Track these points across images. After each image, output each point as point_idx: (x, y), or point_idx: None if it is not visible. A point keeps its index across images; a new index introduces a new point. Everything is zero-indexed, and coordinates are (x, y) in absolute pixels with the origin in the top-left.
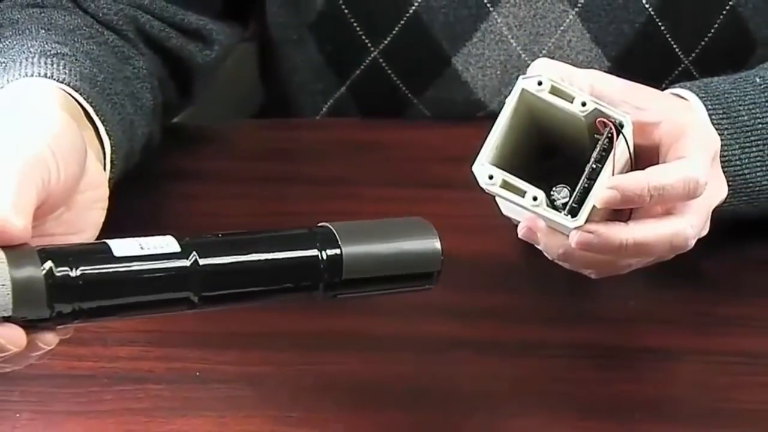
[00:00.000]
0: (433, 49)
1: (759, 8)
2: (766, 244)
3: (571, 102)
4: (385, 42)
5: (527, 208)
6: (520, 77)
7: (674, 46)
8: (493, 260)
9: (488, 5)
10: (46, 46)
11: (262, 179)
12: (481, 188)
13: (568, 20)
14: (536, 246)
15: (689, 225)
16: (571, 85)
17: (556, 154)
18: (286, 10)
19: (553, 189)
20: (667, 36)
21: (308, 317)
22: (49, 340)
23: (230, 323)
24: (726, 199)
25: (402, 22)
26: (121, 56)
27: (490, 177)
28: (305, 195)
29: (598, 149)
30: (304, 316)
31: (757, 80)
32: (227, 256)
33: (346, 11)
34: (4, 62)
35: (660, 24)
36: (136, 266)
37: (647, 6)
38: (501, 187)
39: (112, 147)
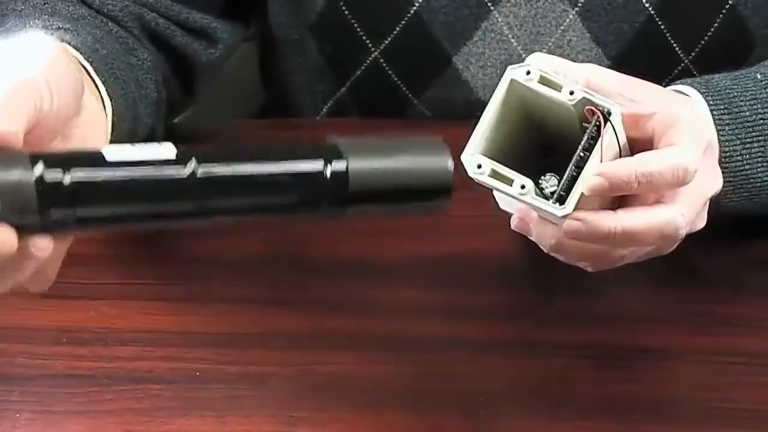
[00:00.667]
0: (434, 48)
1: (759, 7)
2: (766, 244)
3: (560, 91)
4: (386, 42)
5: (515, 197)
6: (509, 67)
7: (674, 45)
8: (492, 260)
9: (489, 4)
10: (48, 23)
11: None
12: (470, 178)
13: (568, 20)
14: (530, 238)
15: (680, 214)
16: (566, 78)
17: (555, 152)
18: (287, 10)
19: (542, 178)
20: (667, 35)
21: (308, 317)
22: (42, 245)
23: (230, 323)
24: (727, 195)
25: (403, 22)
26: (126, 47)
27: (479, 166)
28: None
29: (585, 137)
30: (304, 316)
31: (758, 76)
32: (228, 164)
33: (346, 12)
34: (5, 37)
35: (660, 23)
36: (131, 171)
37: (647, 5)
38: (489, 176)
39: (113, 110)
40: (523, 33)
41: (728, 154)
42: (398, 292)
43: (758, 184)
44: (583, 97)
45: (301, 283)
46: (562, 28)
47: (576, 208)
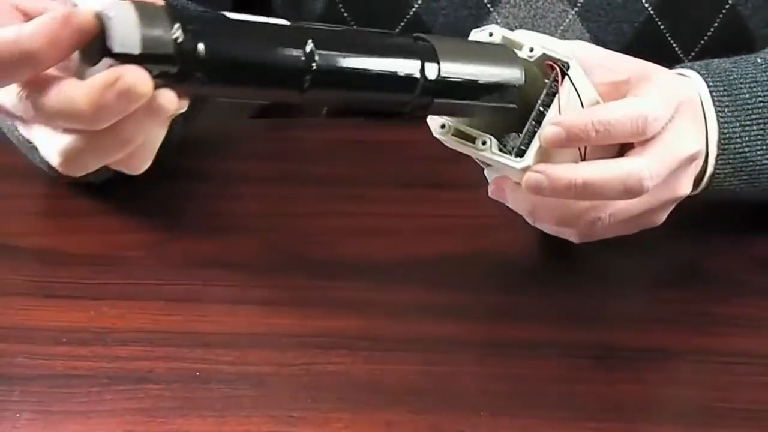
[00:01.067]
0: None
1: (758, 7)
2: (766, 244)
3: (521, 50)
4: None
5: (477, 155)
6: (473, 31)
7: (674, 45)
8: (493, 260)
9: (488, 5)
10: None
11: (262, 179)
12: (436, 138)
13: (567, 20)
14: (507, 204)
15: (644, 167)
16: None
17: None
18: (287, 12)
19: (504, 136)
20: (667, 35)
21: (308, 317)
22: (171, 97)
23: (230, 323)
24: (727, 178)
25: (402, 23)
26: None
27: (442, 126)
28: (305, 195)
29: (545, 92)
30: (304, 316)
31: (758, 60)
32: (341, 55)
33: (345, 14)
34: None
35: (659, 23)
36: (260, 31)
37: (647, 5)
38: (453, 135)
39: None
40: None
41: (727, 136)
42: (398, 292)
43: (757, 167)
44: (543, 53)
45: (301, 283)
46: (561, 28)
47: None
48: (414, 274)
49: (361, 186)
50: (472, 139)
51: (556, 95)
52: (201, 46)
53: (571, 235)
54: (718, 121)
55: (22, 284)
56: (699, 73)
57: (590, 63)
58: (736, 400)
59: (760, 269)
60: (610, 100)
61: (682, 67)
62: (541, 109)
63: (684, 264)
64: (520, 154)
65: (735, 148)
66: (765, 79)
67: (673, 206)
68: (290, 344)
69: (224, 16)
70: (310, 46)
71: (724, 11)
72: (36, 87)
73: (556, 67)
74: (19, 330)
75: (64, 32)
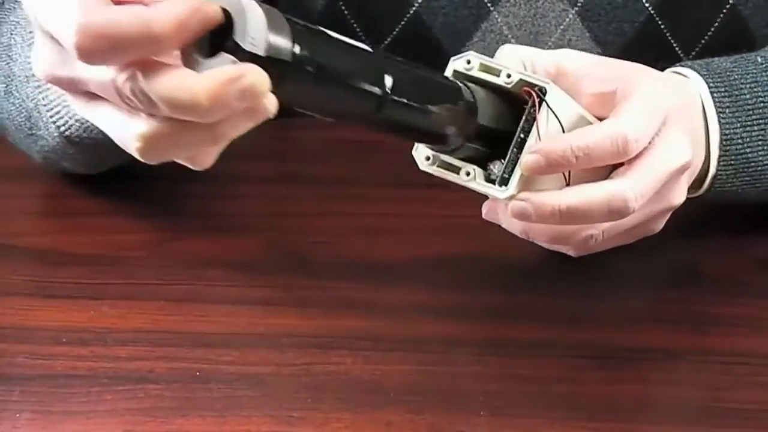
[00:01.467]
0: (434, 49)
1: (759, 7)
2: (766, 244)
3: (498, 76)
4: (386, 43)
5: (462, 185)
6: (451, 59)
7: (674, 45)
8: (492, 260)
9: (488, 5)
10: None
11: (262, 179)
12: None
13: (568, 19)
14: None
15: (628, 187)
16: (535, 67)
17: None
18: (287, 9)
19: (489, 164)
20: (667, 35)
21: (308, 317)
22: (274, 102)
23: (230, 323)
24: (728, 180)
25: (402, 22)
26: None
27: (427, 158)
28: (306, 195)
29: (524, 119)
30: (304, 316)
31: (759, 59)
32: (409, 101)
33: (346, 12)
34: None
35: (660, 23)
36: (354, 55)
37: (647, 5)
38: (438, 167)
39: None
40: (522, 33)
41: (728, 137)
42: (398, 292)
43: (759, 168)
44: (520, 79)
45: (301, 283)
46: (561, 27)
47: (526, 190)
48: (414, 274)
49: (361, 186)
50: (456, 170)
51: (535, 121)
52: (311, 62)
53: (567, 250)
54: (720, 122)
55: (22, 284)
56: (699, 73)
57: (580, 72)
58: (736, 400)
59: (760, 269)
60: (599, 112)
61: (683, 66)
62: (522, 135)
63: (684, 264)
64: (504, 182)
65: (736, 149)
66: (766, 79)
67: (670, 213)
68: (290, 344)
69: (327, 34)
70: (389, 83)
71: (724, 11)
72: (146, 70)
73: (533, 92)
74: (19, 330)
75: (192, 20)
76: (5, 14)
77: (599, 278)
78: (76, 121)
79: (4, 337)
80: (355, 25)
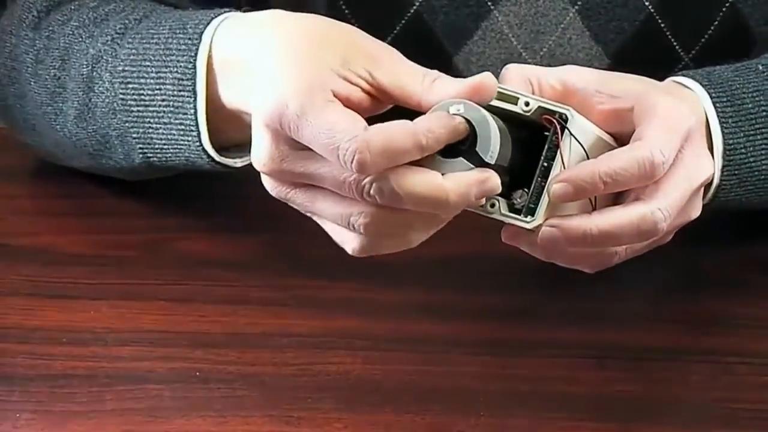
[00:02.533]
0: (434, 48)
1: (759, 4)
2: (766, 244)
3: (516, 104)
4: (386, 42)
5: (487, 216)
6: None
7: (674, 43)
8: (492, 260)
9: (489, 4)
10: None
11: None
12: None
13: (568, 18)
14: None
15: (656, 208)
16: (541, 84)
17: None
18: (290, 8)
19: (512, 194)
20: (667, 33)
21: (308, 317)
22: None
23: (230, 323)
24: (732, 189)
25: (403, 21)
26: None
27: None
28: None
29: (546, 146)
30: (304, 316)
31: (760, 68)
32: None
33: (346, 11)
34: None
35: (660, 21)
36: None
37: (647, 3)
38: None
39: None
40: (523, 32)
41: (732, 146)
42: (398, 292)
43: (762, 177)
44: (539, 107)
45: (301, 283)
46: (562, 26)
47: (551, 216)
48: (414, 274)
49: None
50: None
51: (558, 149)
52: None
53: (584, 267)
54: (723, 132)
55: (22, 284)
56: (701, 84)
57: (588, 89)
58: (736, 401)
59: (761, 269)
60: (612, 129)
61: (684, 75)
62: (546, 164)
63: (684, 264)
64: (530, 212)
65: (740, 159)
66: (767, 87)
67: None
68: (290, 344)
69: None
70: None
71: (724, 9)
72: (396, 170)
73: (554, 120)
74: (19, 330)
75: (448, 134)
76: (65, 16)
77: (599, 278)
78: (161, 151)
79: (4, 337)
80: (355, 24)
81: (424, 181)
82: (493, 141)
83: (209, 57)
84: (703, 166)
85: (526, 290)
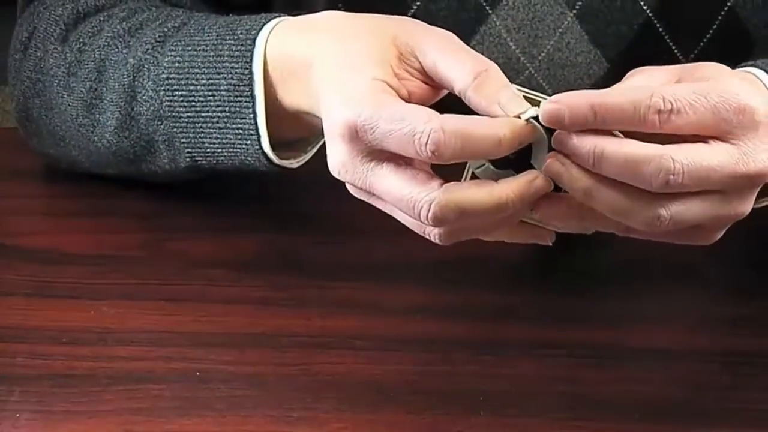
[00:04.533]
0: None
1: (757, 8)
2: (766, 244)
3: (539, 107)
4: None
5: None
6: None
7: (673, 47)
8: (493, 260)
9: (487, 8)
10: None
11: (263, 179)
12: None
13: (566, 22)
14: (561, 185)
15: (670, 157)
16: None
17: None
18: (289, 11)
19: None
20: (666, 37)
21: (308, 317)
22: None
23: (230, 323)
24: None
25: None
26: None
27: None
28: (306, 196)
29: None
30: (304, 316)
31: None
32: None
33: None
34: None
35: (658, 25)
36: None
37: (645, 7)
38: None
39: None
40: (521, 36)
41: None
42: (398, 292)
43: None
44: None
45: (301, 283)
46: (560, 30)
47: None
48: (414, 274)
49: None
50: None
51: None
52: None
53: (615, 227)
54: None
55: (22, 284)
56: (766, 70)
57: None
58: (736, 400)
59: (761, 269)
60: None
61: (748, 65)
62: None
63: (684, 264)
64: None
65: None
66: None
67: (729, 225)
68: (290, 344)
69: None
70: None
71: (722, 13)
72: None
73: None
74: (19, 330)
75: (520, 138)
76: (95, 28)
77: (599, 278)
78: (213, 155)
79: (4, 337)
80: None
81: (481, 192)
82: (544, 154)
83: (265, 62)
84: (760, 156)
85: (526, 290)
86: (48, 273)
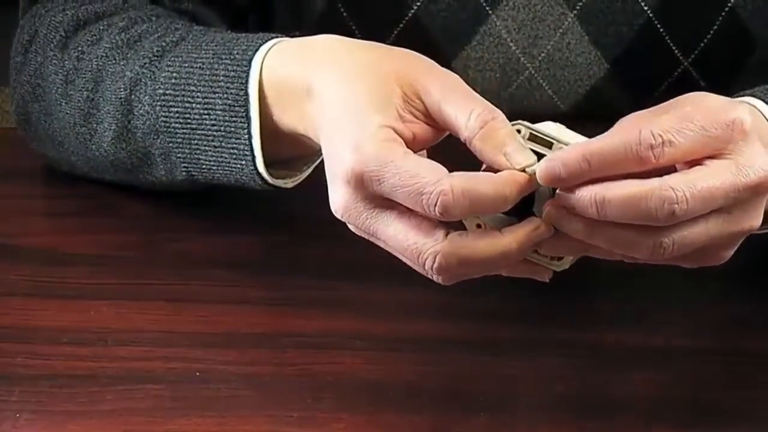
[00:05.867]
0: (432, 52)
1: (758, 9)
2: (766, 244)
3: (550, 149)
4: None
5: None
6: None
7: (673, 47)
8: None
9: (487, 8)
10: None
11: None
12: None
13: (566, 22)
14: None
15: (669, 185)
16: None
17: None
18: (287, 11)
19: None
20: (666, 37)
21: (308, 317)
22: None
23: (230, 323)
24: None
25: (401, 25)
26: None
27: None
28: (305, 195)
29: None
30: (304, 316)
31: None
32: None
33: (345, 14)
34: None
35: (659, 25)
36: None
37: (645, 8)
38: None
39: None
40: (521, 36)
41: None
42: (398, 292)
43: None
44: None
45: (302, 283)
46: (560, 31)
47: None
48: (414, 274)
49: None
50: None
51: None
52: None
53: (620, 257)
54: None
55: (22, 284)
56: (764, 101)
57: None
58: (736, 400)
59: (760, 269)
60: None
61: (744, 94)
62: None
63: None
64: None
65: None
66: None
67: (741, 240)
68: (290, 344)
69: None
70: None
71: (723, 13)
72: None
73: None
74: (19, 330)
75: (522, 190)
76: (94, 36)
77: (599, 278)
78: (209, 171)
79: (4, 337)
80: (354, 28)
81: (484, 244)
82: (544, 203)
83: (260, 83)
84: (762, 162)
85: (526, 290)
86: (48, 273)
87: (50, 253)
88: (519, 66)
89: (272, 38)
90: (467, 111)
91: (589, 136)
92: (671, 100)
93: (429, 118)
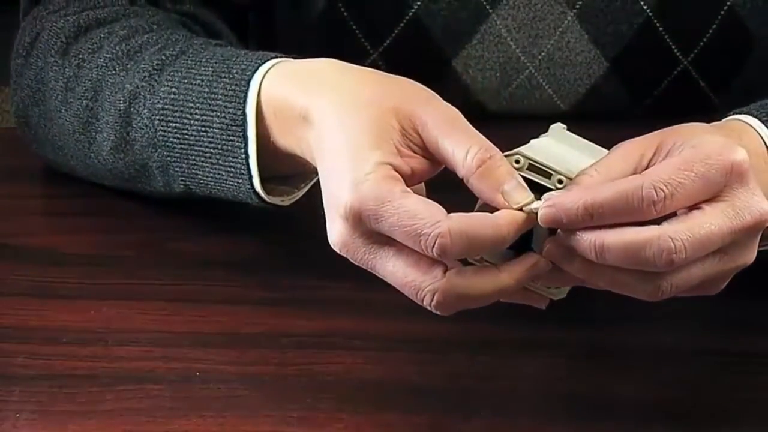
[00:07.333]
0: (433, 51)
1: (757, 8)
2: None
3: (549, 178)
4: (385, 45)
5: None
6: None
7: (672, 46)
8: None
9: (487, 7)
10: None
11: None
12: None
13: (566, 21)
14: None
15: (668, 235)
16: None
17: None
18: (287, 11)
19: None
20: (666, 36)
21: (308, 317)
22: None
23: (230, 323)
24: None
25: (401, 24)
26: None
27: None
28: (306, 196)
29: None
30: (304, 316)
31: None
32: None
33: (345, 14)
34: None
35: (658, 24)
36: None
37: (645, 7)
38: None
39: None
40: (521, 35)
41: None
42: (398, 292)
43: None
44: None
45: (301, 283)
46: (560, 30)
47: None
48: None
49: None
50: None
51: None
52: None
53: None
54: None
55: (22, 284)
56: (760, 119)
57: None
58: (736, 400)
59: (760, 269)
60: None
61: (738, 113)
62: None
63: None
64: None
65: None
66: None
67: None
68: (290, 344)
69: None
70: None
71: (722, 12)
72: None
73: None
74: (19, 330)
75: (522, 228)
76: (95, 44)
77: None
78: (206, 186)
79: (3, 337)
80: (354, 28)
81: (483, 281)
82: (542, 240)
83: (258, 103)
84: (756, 203)
85: None
86: (48, 273)
87: (50, 253)
88: (519, 65)
89: (271, 58)
90: (465, 148)
91: (589, 136)
92: (670, 129)
93: (427, 152)
